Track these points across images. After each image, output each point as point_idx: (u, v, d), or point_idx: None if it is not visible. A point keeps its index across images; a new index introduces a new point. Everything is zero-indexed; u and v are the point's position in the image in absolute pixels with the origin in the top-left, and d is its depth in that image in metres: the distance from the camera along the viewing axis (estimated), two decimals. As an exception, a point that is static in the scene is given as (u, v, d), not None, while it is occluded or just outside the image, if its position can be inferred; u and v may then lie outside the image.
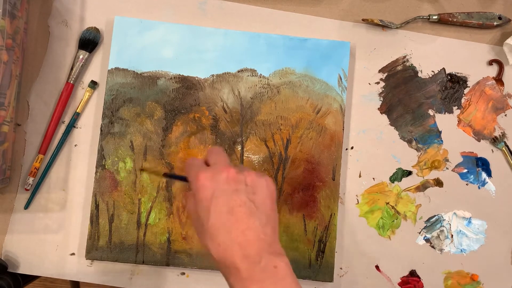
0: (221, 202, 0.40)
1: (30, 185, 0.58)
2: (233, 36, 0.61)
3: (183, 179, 0.47)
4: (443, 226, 0.61)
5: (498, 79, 0.63)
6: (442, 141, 0.62)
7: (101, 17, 0.62)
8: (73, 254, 0.58)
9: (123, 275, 0.58)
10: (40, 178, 0.59)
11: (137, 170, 0.57)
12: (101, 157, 0.58)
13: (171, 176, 0.53)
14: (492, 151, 0.62)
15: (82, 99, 0.60)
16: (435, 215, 0.61)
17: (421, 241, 0.60)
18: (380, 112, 0.62)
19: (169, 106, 0.59)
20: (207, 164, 0.45)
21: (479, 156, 0.62)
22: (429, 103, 0.62)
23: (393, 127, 0.62)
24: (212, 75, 0.60)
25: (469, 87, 0.63)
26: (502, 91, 0.63)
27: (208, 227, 0.40)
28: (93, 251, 0.57)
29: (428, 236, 0.61)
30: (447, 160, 0.62)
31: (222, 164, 0.43)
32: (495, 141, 0.62)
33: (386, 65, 0.63)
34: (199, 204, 0.41)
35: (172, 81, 0.60)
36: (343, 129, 0.60)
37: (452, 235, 0.61)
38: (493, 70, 0.64)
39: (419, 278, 0.60)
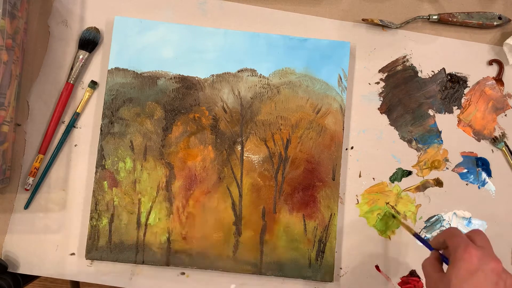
0: (479, 285, 0.41)
1: (30, 185, 0.58)
2: (233, 36, 0.61)
3: (429, 246, 0.49)
4: (443, 226, 0.61)
5: (498, 79, 0.63)
6: (442, 141, 0.62)
7: (101, 17, 0.62)
8: (73, 254, 0.58)
9: (123, 275, 0.58)
10: (40, 178, 0.59)
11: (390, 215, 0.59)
12: (101, 157, 0.58)
13: (420, 238, 0.53)
14: (492, 151, 0.62)
15: (82, 99, 0.60)
16: (435, 215, 0.61)
17: (421, 241, 0.61)
18: (380, 112, 0.62)
19: (169, 106, 0.59)
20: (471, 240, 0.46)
21: (479, 156, 0.62)
22: (429, 103, 0.62)
23: (393, 127, 0.62)
24: (212, 75, 0.60)
25: (469, 87, 0.63)
26: (502, 91, 0.63)
27: None
28: (93, 251, 0.57)
29: (428, 236, 0.61)
30: (447, 160, 0.62)
31: (491, 253, 0.44)
32: (495, 141, 0.62)
33: (386, 65, 0.63)
34: (458, 271, 0.42)
35: (172, 81, 0.60)
36: (343, 129, 0.60)
37: (452, 235, 0.61)
38: (493, 70, 0.64)
39: (419, 278, 0.60)
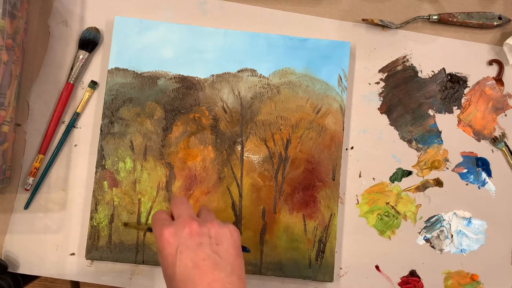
0: (186, 258, 0.40)
1: (30, 185, 0.58)
2: (233, 36, 0.61)
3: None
4: (443, 226, 0.61)
5: (498, 79, 0.63)
6: (442, 141, 0.62)
7: (101, 17, 0.62)
8: (73, 254, 0.58)
9: (123, 275, 0.58)
10: (40, 178, 0.59)
11: (120, 225, 0.57)
12: (101, 157, 0.58)
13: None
14: (492, 151, 0.62)
15: (82, 99, 0.60)
16: (435, 215, 0.61)
17: (421, 241, 0.60)
18: (380, 112, 0.62)
19: (169, 106, 0.59)
20: (172, 216, 0.45)
21: (479, 156, 0.62)
22: (429, 103, 0.62)
23: (393, 127, 0.62)
24: (212, 75, 0.60)
25: (469, 87, 0.63)
26: (502, 91, 0.63)
27: (175, 282, 0.40)
28: (93, 251, 0.57)
29: (428, 236, 0.61)
30: (447, 160, 0.62)
31: (185, 217, 0.43)
32: (495, 141, 0.62)
33: (386, 65, 0.63)
34: (164, 260, 0.41)
35: (172, 81, 0.60)
36: (343, 129, 0.60)
37: (452, 235, 0.61)
38: (493, 70, 0.64)
39: (419, 278, 0.60)
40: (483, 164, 0.62)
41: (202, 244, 0.41)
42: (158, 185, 0.58)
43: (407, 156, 0.62)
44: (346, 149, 0.61)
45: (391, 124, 0.62)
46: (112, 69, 0.59)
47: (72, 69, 0.60)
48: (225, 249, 0.42)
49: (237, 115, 0.60)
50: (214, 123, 0.60)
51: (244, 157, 0.59)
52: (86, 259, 0.57)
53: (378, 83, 0.63)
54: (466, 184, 0.62)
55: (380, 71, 0.63)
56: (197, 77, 0.60)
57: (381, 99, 0.62)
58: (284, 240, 0.58)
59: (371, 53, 0.63)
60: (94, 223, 0.57)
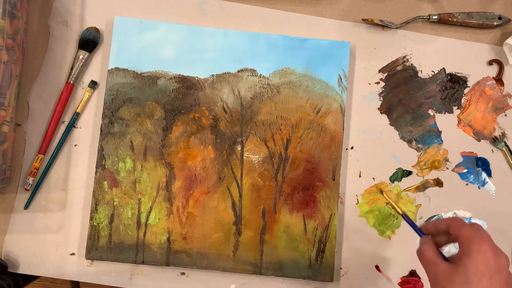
0: (495, 281, 0.40)
1: (30, 185, 0.58)
2: (233, 36, 0.61)
3: (418, 231, 0.47)
4: (443, 226, 0.61)
5: (498, 79, 0.63)
6: (442, 141, 0.62)
7: (101, 17, 0.62)
8: (73, 254, 0.58)
9: (123, 275, 0.58)
10: (40, 178, 0.59)
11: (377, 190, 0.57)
12: (101, 157, 0.58)
13: (409, 220, 0.49)
14: (492, 151, 0.62)
15: (82, 99, 0.60)
16: (435, 215, 0.61)
17: (421, 241, 0.60)
18: (380, 112, 0.62)
19: (169, 106, 0.59)
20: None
21: (479, 156, 0.62)
22: (429, 103, 0.62)
23: (393, 127, 0.62)
24: (212, 75, 0.60)
25: (469, 87, 0.63)
26: (502, 91, 0.63)
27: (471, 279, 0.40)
28: (93, 251, 0.57)
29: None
30: (447, 160, 0.62)
31: (498, 247, 0.43)
32: (495, 141, 0.62)
33: (386, 65, 0.63)
34: (473, 265, 0.40)
35: (172, 81, 0.60)
36: (343, 129, 0.60)
37: (452, 235, 0.61)
38: (493, 70, 0.64)
39: (419, 278, 0.60)
40: (483, 164, 0.62)
41: (507, 282, 0.41)
42: (158, 185, 0.58)
43: (407, 156, 0.62)
44: (346, 149, 0.61)
45: (391, 124, 0.62)
46: (112, 69, 0.59)
47: (72, 69, 0.60)
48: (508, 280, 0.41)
49: (237, 115, 0.60)
50: (214, 123, 0.60)
51: (244, 157, 0.59)
52: (86, 259, 0.57)
53: (378, 83, 0.63)
54: (466, 184, 0.62)
55: (380, 71, 0.63)
56: (197, 77, 0.60)
57: (381, 99, 0.62)
58: (284, 240, 0.58)
59: (371, 53, 0.63)
60: (94, 223, 0.57)
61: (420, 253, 0.44)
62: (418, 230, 0.47)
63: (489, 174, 0.62)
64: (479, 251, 0.41)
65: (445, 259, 0.43)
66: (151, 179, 0.58)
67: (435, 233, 0.46)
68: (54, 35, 0.61)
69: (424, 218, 0.61)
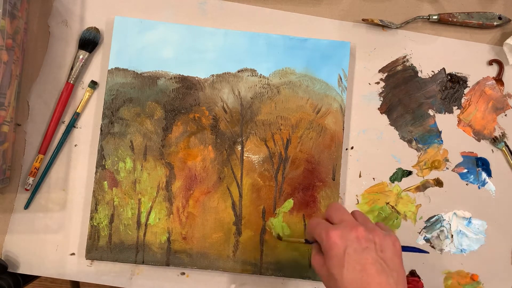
0: (354, 260, 0.41)
1: (30, 185, 0.58)
2: (233, 36, 0.61)
3: (307, 241, 0.48)
4: (443, 226, 0.61)
5: (498, 79, 0.63)
6: (442, 141, 0.62)
7: (101, 17, 0.62)
8: (73, 254, 0.58)
9: (123, 275, 0.58)
10: (40, 178, 0.59)
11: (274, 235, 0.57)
12: (101, 157, 0.58)
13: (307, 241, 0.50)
14: (492, 151, 0.62)
15: (82, 99, 0.60)
16: (435, 215, 0.61)
17: (421, 241, 0.60)
18: (380, 112, 0.62)
19: (169, 106, 0.59)
20: (329, 221, 0.46)
21: (479, 156, 0.62)
22: (429, 103, 0.62)
23: (393, 127, 0.62)
24: (212, 75, 0.60)
25: (469, 87, 0.63)
26: (502, 91, 0.63)
27: (342, 283, 0.41)
28: (93, 251, 0.57)
29: (428, 236, 0.61)
30: (447, 160, 0.62)
31: (350, 222, 0.44)
32: (495, 141, 0.62)
33: (386, 65, 0.63)
34: (331, 261, 0.42)
35: (172, 81, 0.60)
36: (343, 129, 0.60)
37: (452, 235, 0.61)
38: (493, 70, 0.64)
39: (419, 278, 0.60)
40: (483, 164, 0.62)
41: (368, 248, 0.42)
42: (158, 185, 0.58)
43: (407, 156, 0.62)
44: (346, 149, 0.61)
45: (391, 124, 0.62)
46: (112, 69, 0.59)
47: (72, 69, 0.60)
48: (390, 256, 0.42)
49: (237, 115, 0.60)
50: (214, 123, 0.60)
51: (244, 157, 0.59)
52: (86, 259, 0.57)
53: (378, 83, 0.63)
54: (466, 184, 0.62)
55: (380, 71, 0.63)
56: (197, 77, 0.60)
57: (381, 99, 0.62)
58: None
59: (371, 53, 0.63)
60: (94, 223, 0.57)
61: (312, 266, 0.47)
62: (307, 240, 0.49)
63: (489, 174, 0.62)
64: (328, 246, 0.43)
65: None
66: (151, 179, 0.58)
67: (313, 239, 0.47)
68: (54, 35, 0.61)
69: (424, 218, 0.61)
